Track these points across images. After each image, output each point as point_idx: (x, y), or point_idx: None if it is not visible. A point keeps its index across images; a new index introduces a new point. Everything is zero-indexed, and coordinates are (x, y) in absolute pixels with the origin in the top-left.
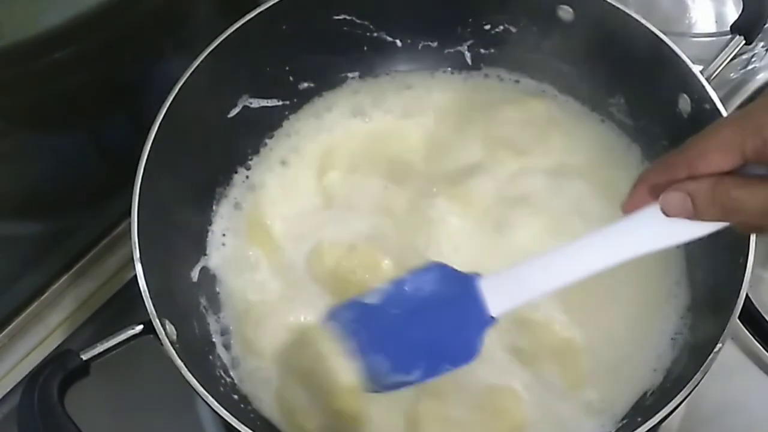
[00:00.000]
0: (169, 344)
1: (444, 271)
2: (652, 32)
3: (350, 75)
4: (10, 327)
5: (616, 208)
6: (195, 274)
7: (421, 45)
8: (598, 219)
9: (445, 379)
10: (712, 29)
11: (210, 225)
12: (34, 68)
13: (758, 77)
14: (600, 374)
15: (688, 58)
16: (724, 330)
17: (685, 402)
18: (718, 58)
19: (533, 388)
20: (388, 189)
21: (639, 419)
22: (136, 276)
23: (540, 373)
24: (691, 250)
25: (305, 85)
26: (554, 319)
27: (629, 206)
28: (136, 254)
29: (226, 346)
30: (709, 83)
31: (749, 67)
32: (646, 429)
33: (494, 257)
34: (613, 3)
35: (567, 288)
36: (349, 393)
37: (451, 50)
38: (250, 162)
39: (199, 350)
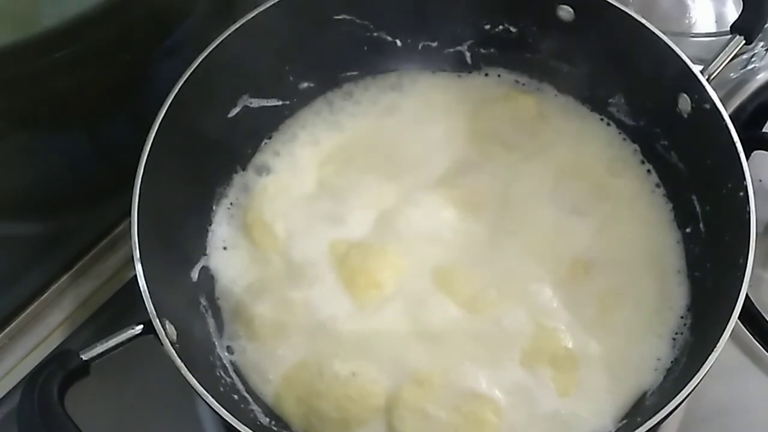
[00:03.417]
0: (169, 344)
1: None
2: (652, 32)
3: (350, 75)
4: (10, 327)
5: (614, 206)
6: (195, 274)
7: (421, 45)
8: (596, 217)
9: (437, 369)
10: (712, 29)
11: (210, 225)
12: (34, 68)
13: (758, 77)
14: (599, 375)
15: (688, 58)
16: (724, 330)
17: (685, 402)
18: (718, 58)
19: (520, 399)
20: (384, 185)
21: (639, 419)
22: (136, 276)
23: (535, 377)
24: (691, 250)
25: (305, 85)
26: (558, 321)
27: None
28: (136, 254)
29: (226, 346)
30: (709, 83)
31: (749, 67)
32: (646, 429)
33: (492, 250)
34: (613, 3)
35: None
36: (346, 381)
37: (451, 50)
38: (250, 162)
39: (199, 350)
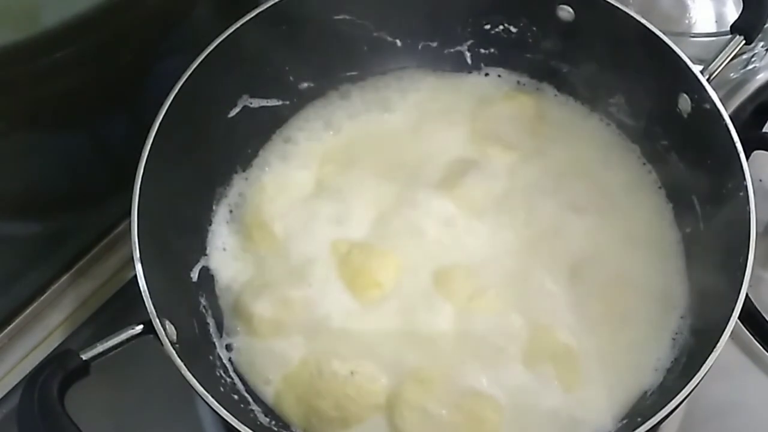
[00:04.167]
0: (169, 344)
1: None
2: (653, 32)
3: (350, 75)
4: (10, 327)
5: (614, 207)
6: (195, 274)
7: (421, 45)
8: (596, 217)
9: (438, 368)
10: (712, 29)
11: (210, 225)
12: (34, 68)
13: (758, 77)
14: (599, 375)
15: (688, 58)
16: (724, 330)
17: (685, 402)
18: (718, 58)
19: (520, 398)
20: (383, 185)
21: (639, 419)
22: (136, 276)
23: (536, 376)
24: (691, 250)
25: (305, 85)
26: (558, 321)
27: None
28: (136, 254)
29: (226, 345)
30: (709, 83)
31: (749, 67)
32: (646, 429)
33: (492, 250)
34: (613, 3)
35: (573, 290)
36: (345, 379)
37: (451, 50)
38: (250, 162)
39: (199, 350)
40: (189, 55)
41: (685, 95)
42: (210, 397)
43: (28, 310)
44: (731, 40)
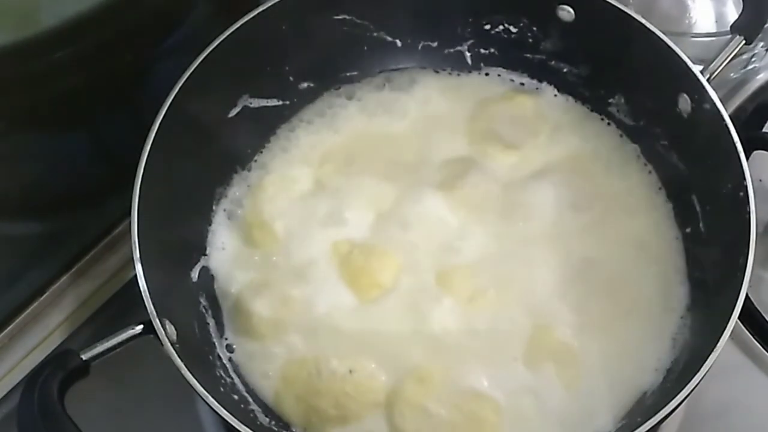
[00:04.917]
0: (169, 344)
1: None
2: (652, 32)
3: (350, 75)
4: (10, 327)
5: (614, 207)
6: (195, 274)
7: (421, 45)
8: (596, 217)
9: (438, 367)
10: (712, 29)
11: (210, 225)
12: (34, 68)
13: (758, 77)
14: (599, 375)
15: (688, 58)
16: (724, 330)
17: (685, 402)
18: (718, 58)
19: (520, 399)
20: (383, 185)
21: (639, 419)
22: (136, 276)
23: (536, 376)
24: (691, 249)
25: (305, 85)
26: (558, 321)
27: None
28: (136, 254)
29: (226, 345)
30: (709, 83)
31: (749, 67)
32: (646, 429)
33: (492, 250)
34: (613, 3)
35: (571, 288)
36: (344, 378)
37: (451, 50)
38: (250, 162)
39: (199, 350)
40: (189, 55)
41: (685, 95)
42: (210, 397)
43: (28, 310)
44: (731, 40)
